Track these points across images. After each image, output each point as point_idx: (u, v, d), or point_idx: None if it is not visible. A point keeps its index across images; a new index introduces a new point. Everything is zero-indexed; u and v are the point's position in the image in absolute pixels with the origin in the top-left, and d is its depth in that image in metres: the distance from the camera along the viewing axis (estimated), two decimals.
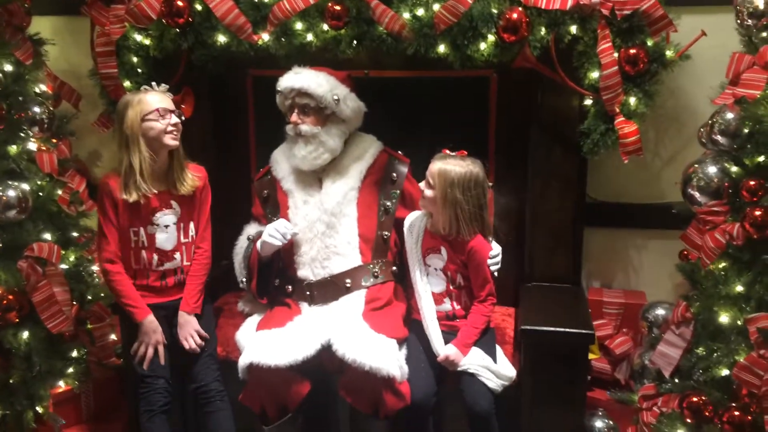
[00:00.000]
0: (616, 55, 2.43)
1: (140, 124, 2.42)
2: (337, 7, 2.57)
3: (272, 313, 2.56)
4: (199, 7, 2.65)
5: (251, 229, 2.70)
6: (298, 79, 2.51)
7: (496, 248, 2.46)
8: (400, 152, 2.68)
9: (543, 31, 2.47)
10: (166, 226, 2.55)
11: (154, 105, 2.44)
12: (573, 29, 2.47)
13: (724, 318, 2.21)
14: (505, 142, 2.85)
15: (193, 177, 2.56)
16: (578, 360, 2.43)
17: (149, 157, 2.44)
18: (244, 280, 2.63)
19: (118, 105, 2.51)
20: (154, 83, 2.53)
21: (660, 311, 2.64)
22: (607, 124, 2.52)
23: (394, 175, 2.62)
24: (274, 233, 2.48)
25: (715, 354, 2.23)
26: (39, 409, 2.62)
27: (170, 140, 2.46)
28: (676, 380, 2.36)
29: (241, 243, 2.68)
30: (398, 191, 2.61)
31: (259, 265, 2.57)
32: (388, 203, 2.60)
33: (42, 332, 2.61)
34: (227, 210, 3.02)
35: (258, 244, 2.54)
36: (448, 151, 2.41)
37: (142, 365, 2.49)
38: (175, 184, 2.53)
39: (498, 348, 2.49)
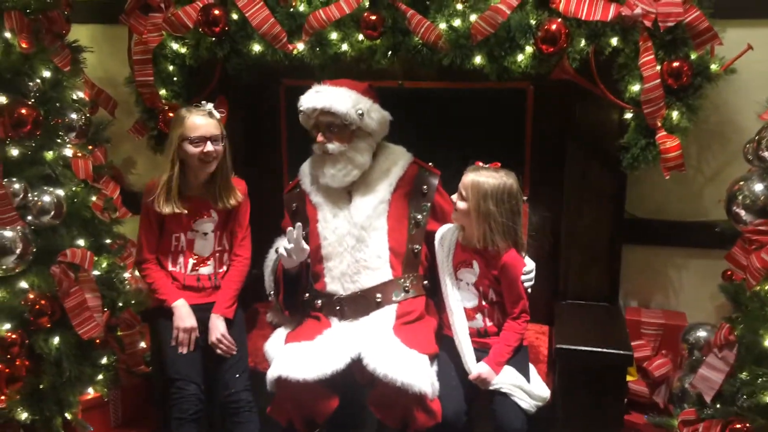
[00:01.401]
0: (658, 67, 2.37)
1: (178, 145, 2.47)
2: (373, 17, 2.56)
3: (302, 326, 2.54)
4: (235, 16, 2.66)
5: (281, 242, 2.68)
6: (320, 98, 2.46)
7: (529, 264, 2.41)
8: (430, 164, 2.64)
9: (583, 42, 2.42)
10: (205, 234, 2.61)
11: (195, 131, 2.47)
12: (614, 41, 2.42)
13: None
14: (541, 156, 2.80)
15: (236, 195, 2.60)
16: (615, 381, 2.37)
17: (190, 175, 2.50)
18: (272, 293, 2.64)
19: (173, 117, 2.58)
20: (204, 102, 2.55)
21: (701, 333, 2.56)
22: (647, 139, 2.46)
23: (425, 187, 2.57)
24: (286, 245, 2.46)
25: (760, 379, 2.14)
26: (68, 416, 2.62)
27: (204, 167, 2.51)
28: (718, 405, 2.27)
29: (271, 256, 2.68)
30: (429, 204, 2.57)
31: (285, 279, 2.55)
32: (419, 216, 2.56)
33: (73, 338, 2.61)
34: (259, 219, 3.01)
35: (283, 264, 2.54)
36: (481, 164, 2.36)
37: (175, 367, 2.47)
38: (216, 199, 2.57)
39: (531, 367, 2.42)
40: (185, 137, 2.47)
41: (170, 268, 2.61)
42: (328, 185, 2.55)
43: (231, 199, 2.58)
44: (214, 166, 2.53)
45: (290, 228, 2.46)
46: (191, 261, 2.61)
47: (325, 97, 2.45)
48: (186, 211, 2.55)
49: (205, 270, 2.62)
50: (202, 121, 2.49)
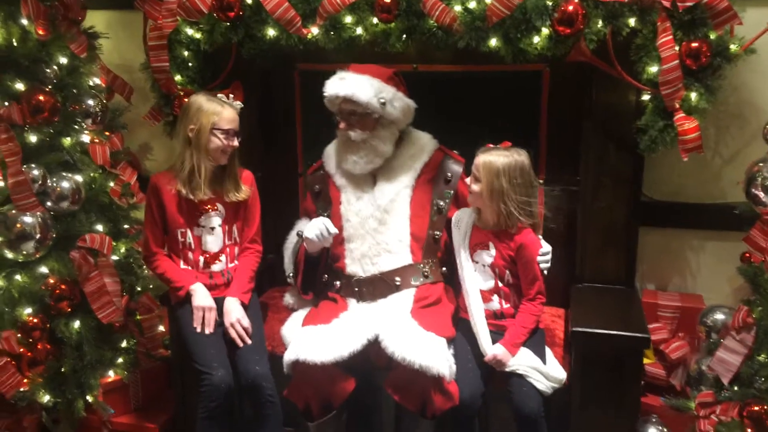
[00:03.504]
0: (677, 48, 2.34)
1: (208, 135, 2.46)
2: (387, 0, 2.54)
3: (318, 308, 2.55)
4: (249, 0, 2.66)
5: (302, 224, 2.68)
6: (343, 85, 2.45)
7: (545, 246, 2.40)
8: (455, 152, 2.63)
9: (600, 23, 2.39)
10: (212, 228, 2.58)
11: (228, 125, 2.49)
12: (632, 22, 2.39)
13: None
14: (557, 138, 2.78)
15: (244, 189, 2.59)
16: (632, 364, 2.36)
17: (210, 163, 2.50)
18: (291, 274, 2.64)
19: (189, 103, 2.53)
20: (232, 96, 2.55)
21: (719, 316, 2.55)
22: (665, 120, 2.43)
23: (449, 174, 2.58)
24: (317, 232, 2.46)
25: None
26: (89, 398, 2.66)
27: (223, 159, 2.53)
28: (736, 388, 2.27)
29: (291, 238, 2.68)
30: (452, 191, 2.57)
31: (306, 261, 2.56)
32: (441, 203, 2.56)
33: (93, 322, 2.65)
34: (273, 204, 3.02)
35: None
36: (491, 145, 2.36)
37: (201, 356, 2.43)
38: (225, 192, 2.56)
39: (547, 349, 2.43)
40: (218, 128, 2.46)
41: (182, 266, 2.60)
42: (351, 171, 2.55)
43: (239, 192, 2.58)
44: (227, 160, 2.54)
45: (327, 221, 2.48)
46: (202, 258, 2.59)
47: (348, 84, 2.45)
48: (213, 196, 2.55)
49: (217, 267, 2.60)
50: (235, 115, 2.52)
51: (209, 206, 2.57)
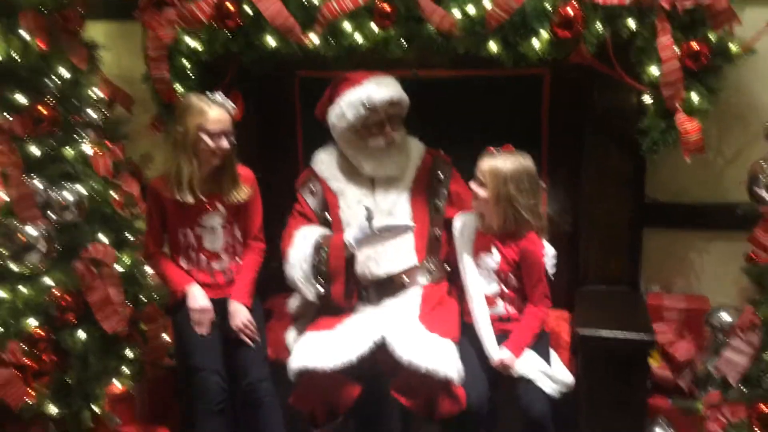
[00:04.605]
0: (676, 49, 2.34)
1: (195, 135, 2.42)
2: (386, 6, 2.54)
3: (322, 315, 2.54)
4: (248, 10, 2.66)
5: (309, 232, 2.60)
6: (391, 89, 2.48)
7: (549, 249, 2.40)
8: (441, 151, 2.67)
9: (599, 26, 2.40)
10: (213, 228, 2.57)
11: (215, 126, 2.42)
12: (631, 23, 2.39)
13: None
14: (559, 142, 2.79)
15: (244, 189, 2.56)
16: (637, 366, 2.35)
17: (198, 166, 2.46)
18: (321, 288, 2.49)
19: (179, 104, 2.53)
20: (220, 93, 2.51)
21: (725, 316, 2.54)
22: (667, 122, 2.44)
23: (440, 173, 2.61)
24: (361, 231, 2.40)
25: None
26: (96, 409, 2.65)
27: (214, 161, 2.47)
28: (744, 388, 2.26)
29: (304, 251, 2.52)
30: (446, 190, 2.59)
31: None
32: (438, 202, 2.59)
33: (97, 332, 2.64)
34: (275, 211, 3.01)
35: (351, 240, 2.41)
36: (494, 149, 2.36)
37: (195, 357, 2.45)
38: (224, 192, 2.54)
39: (552, 352, 2.42)
40: (204, 129, 2.42)
41: (184, 266, 2.60)
42: (389, 175, 2.56)
43: (240, 193, 2.55)
44: (220, 161, 2.50)
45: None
46: (203, 257, 2.59)
47: (394, 87, 2.49)
48: (205, 199, 2.51)
49: (218, 265, 2.60)
50: (223, 116, 2.46)
51: (209, 206, 2.55)
